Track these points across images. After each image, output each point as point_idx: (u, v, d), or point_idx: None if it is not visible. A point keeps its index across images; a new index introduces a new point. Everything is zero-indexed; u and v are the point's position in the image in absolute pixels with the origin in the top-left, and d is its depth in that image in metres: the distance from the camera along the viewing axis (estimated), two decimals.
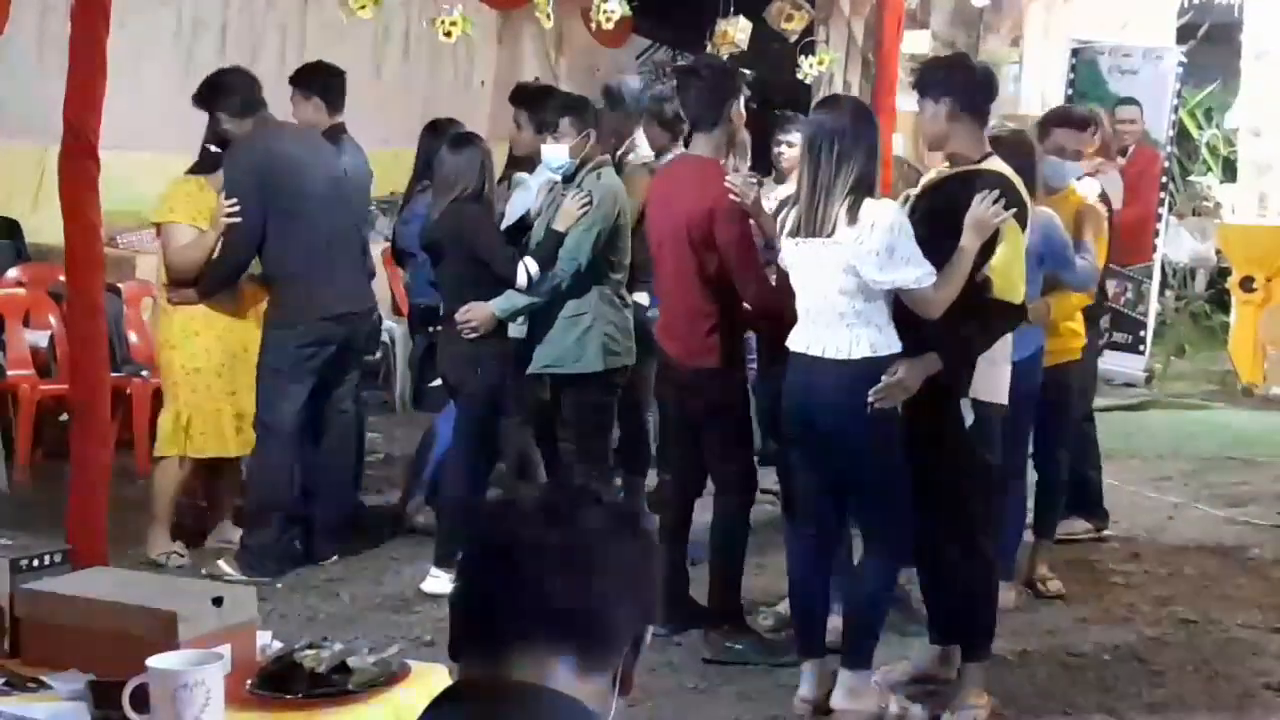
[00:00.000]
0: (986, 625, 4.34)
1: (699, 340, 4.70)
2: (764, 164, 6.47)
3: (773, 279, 4.66)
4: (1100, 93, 9.39)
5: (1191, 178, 11.76)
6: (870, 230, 3.92)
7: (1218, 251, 10.60)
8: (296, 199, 5.35)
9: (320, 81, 5.91)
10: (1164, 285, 10.62)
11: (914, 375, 3.99)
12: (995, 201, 3.99)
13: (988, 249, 4.02)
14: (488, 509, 1.65)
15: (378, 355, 8.15)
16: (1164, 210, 9.76)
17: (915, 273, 3.91)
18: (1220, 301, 10.93)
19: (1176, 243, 10.57)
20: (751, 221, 4.67)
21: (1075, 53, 10.07)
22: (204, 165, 5.54)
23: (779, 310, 4.60)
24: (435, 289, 5.80)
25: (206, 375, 5.43)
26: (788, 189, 5.64)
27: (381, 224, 8.23)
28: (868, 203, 3.97)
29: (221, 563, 5.38)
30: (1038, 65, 10.80)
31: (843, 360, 4.00)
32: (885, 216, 3.94)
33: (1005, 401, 4.46)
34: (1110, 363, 8.42)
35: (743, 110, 4.82)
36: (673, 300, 4.87)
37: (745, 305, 4.72)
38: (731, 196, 4.57)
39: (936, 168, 4.46)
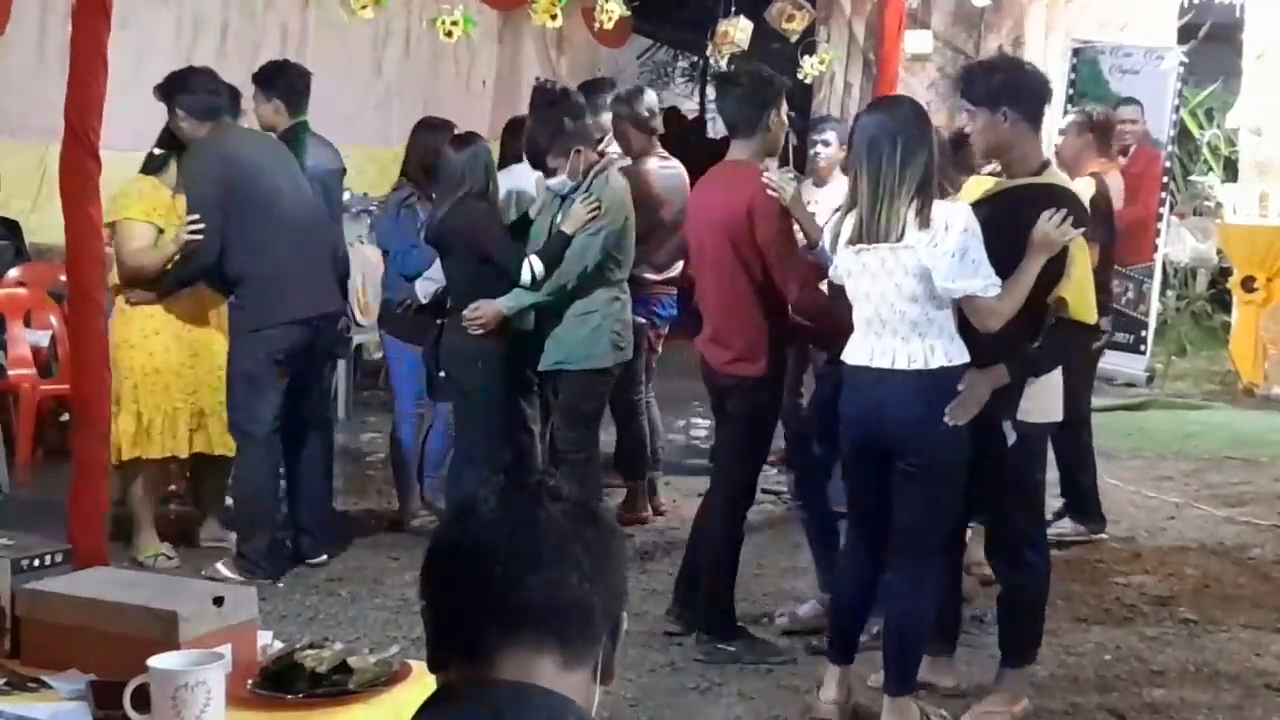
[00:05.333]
0: (1036, 634, 4.34)
1: (746, 349, 4.58)
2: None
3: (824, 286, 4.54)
4: (1101, 93, 9.39)
5: (1192, 177, 11.74)
6: (945, 232, 3.79)
7: (1219, 251, 10.60)
8: (257, 203, 5.26)
9: (283, 84, 5.87)
10: (1165, 285, 10.62)
11: (985, 387, 3.87)
12: (1064, 219, 3.86)
13: (1054, 266, 3.89)
14: (446, 518, 1.64)
15: (380, 355, 8.16)
16: (1165, 210, 9.77)
17: (982, 281, 3.79)
18: (1221, 301, 10.92)
19: (1178, 242, 10.56)
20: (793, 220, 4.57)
21: (1076, 53, 10.08)
22: (150, 166, 5.52)
23: (823, 314, 4.49)
24: (407, 281, 5.82)
25: (166, 375, 5.42)
26: (829, 194, 5.58)
27: (362, 225, 8.21)
28: (938, 204, 3.87)
29: (220, 566, 5.36)
30: (1038, 65, 10.78)
31: (919, 371, 3.86)
32: (959, 218, 3.81)
33: (1057, 420, 4.29)
34: (1111, 362, 8.43)
35: (784, 118, 4.74)
36: (718, 309, 4.69)
37: (791, 313, 4.60)
38: (769, 193, 4.49)
39: (982, 174, 4.37)
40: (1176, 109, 9.88)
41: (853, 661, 4.24)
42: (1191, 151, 12.15)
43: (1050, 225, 3.85)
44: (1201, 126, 12.31)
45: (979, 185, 4.20)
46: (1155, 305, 9.82)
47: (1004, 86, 4.04)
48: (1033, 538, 4.23)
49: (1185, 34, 10.85)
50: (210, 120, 5.33)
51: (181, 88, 5.36)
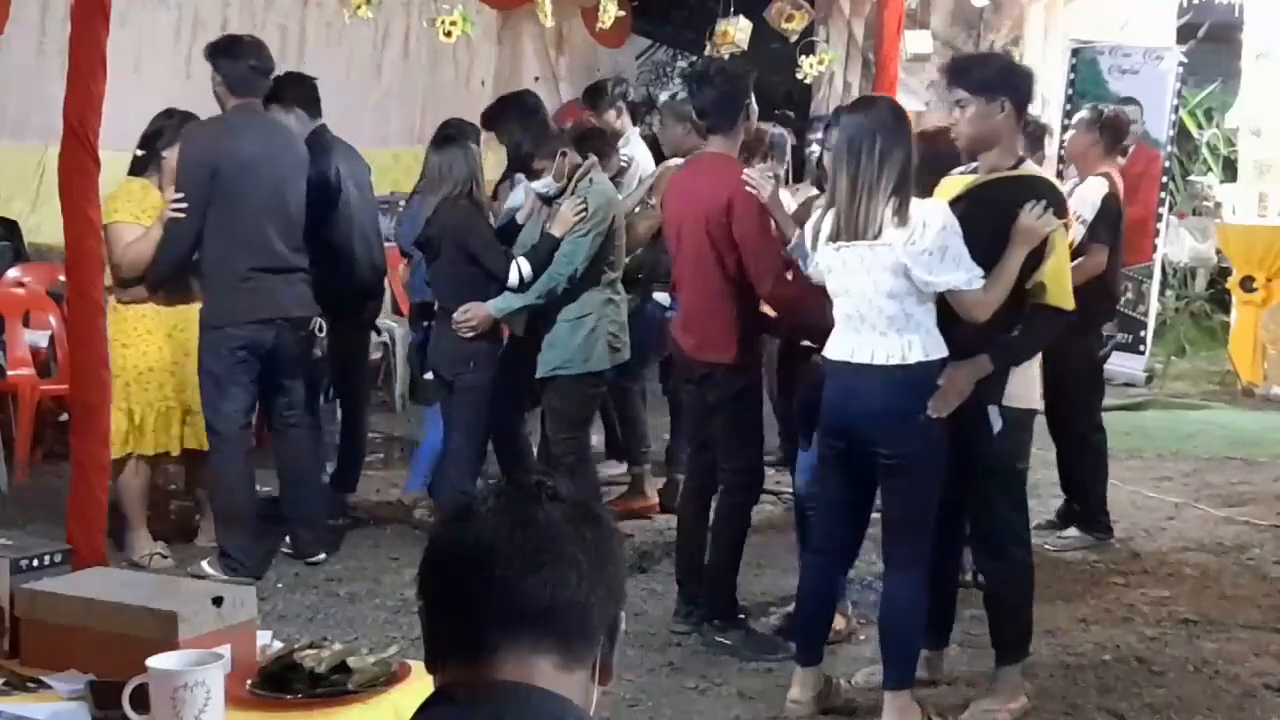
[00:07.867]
0: (1026, 629, 4.33)
1: (716, 336, 4.68)
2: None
3: (788, 275, 4.60)
4: (1100, 93, 9.39)
5: (1192, 177, 11.75)
6: (923, 230, 3.82)
7: (1218, 251, 10.60)
8: (239, 198, 5.23)
9: (295, 94, 5.89)
10: (1164, 285, 10.63)
11: (967, 379, 3.90)
12: (1045, 210, 3.90)
13: (1035, 255, 3.93)
14: (444, 518, 1.63)
15: (378, 355, 8.16)
16: (1164, 210, 9.77)
17: (965, 275, 3.82)
18: (1220, 301, 10.93)
19: (1177, 242, 10.57)
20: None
21: (1075, 53, 10.08)
22: (136, 168, 5.51)
23: (796, 307, 4.56)
24: (430, 287, 5.85)
25: (159, 374, 5.42)
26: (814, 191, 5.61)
27: (381, 224, 8.22)
28: (915, 202, 3.89)
29: (205, 564, 5.34)
30: (1038, 65, 10.74)
31: (895, 366, 3.89)
32: (937, 216, 3.85)
33: (1039, 407, 4.29)
34: (1110, 362, 8.40)
35: (754, 107, 4.85)
36: (690, 295, 4.83)
37: (764, 305, 4.68)
38: (748, 189, 4.55)
39: (961, 169, 4.35)
40: (1175, 109, 9.88)
41: (820, 661, 4.28)
42: (1190, 151, 12.15)
43: (1031, 217, 3.90)
44: (1201, 126, 12.32)
45: (953, 185, 4.17)
46: (1154, 305, 9.82)
47: (1003, 77, 4.05)
48: (1015, 528, 4.25)
49: (1184, 34, 10.85)
50: (242, 95, 5.32)
51: (226, 53, 5.36)
